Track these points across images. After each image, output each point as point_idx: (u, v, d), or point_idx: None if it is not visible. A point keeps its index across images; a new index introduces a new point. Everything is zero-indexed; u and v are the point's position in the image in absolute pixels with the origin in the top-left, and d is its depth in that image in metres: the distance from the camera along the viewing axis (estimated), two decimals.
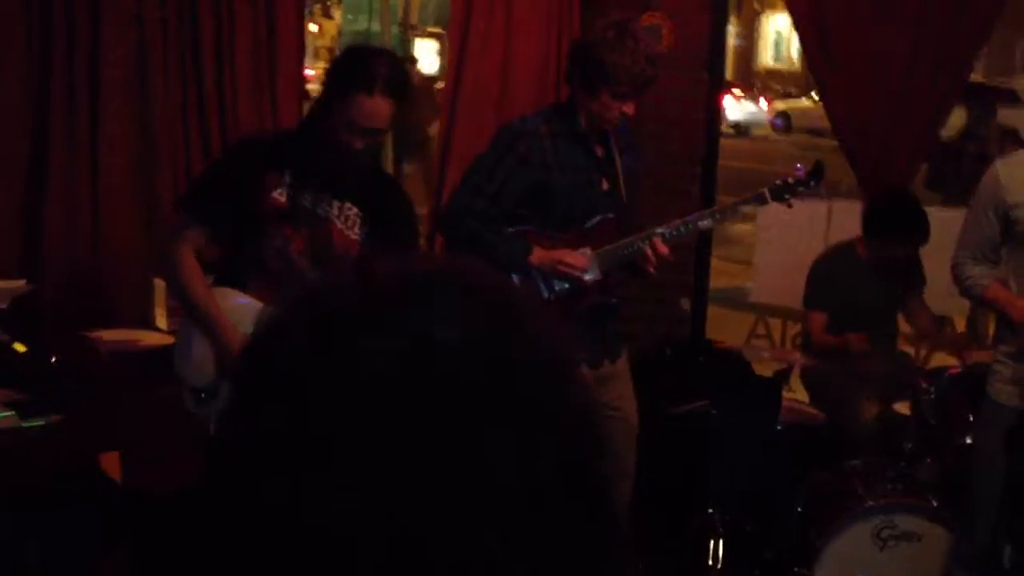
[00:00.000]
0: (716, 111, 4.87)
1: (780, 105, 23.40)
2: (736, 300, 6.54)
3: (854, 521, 3.40)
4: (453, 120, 4.46)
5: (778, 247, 5.11)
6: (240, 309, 2.66)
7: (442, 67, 12.91)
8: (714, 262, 5.10)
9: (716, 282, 5.45)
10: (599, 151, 3.18)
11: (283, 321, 0.63)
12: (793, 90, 24.11)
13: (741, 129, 22.36)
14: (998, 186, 3.02)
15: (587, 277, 3.12)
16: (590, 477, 0.61)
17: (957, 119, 13.73)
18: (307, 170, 2.68)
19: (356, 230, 2.73)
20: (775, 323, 5.98)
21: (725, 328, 5.81)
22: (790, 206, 3.25)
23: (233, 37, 3.89)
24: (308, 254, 2.68)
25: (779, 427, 3.84)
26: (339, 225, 2.71)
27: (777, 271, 5.04)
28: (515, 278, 3.06)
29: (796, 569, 3.43)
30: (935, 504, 3.40)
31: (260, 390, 0.61)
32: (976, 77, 19.13)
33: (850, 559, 3.40)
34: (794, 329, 5.43)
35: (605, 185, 3.18)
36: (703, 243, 4.77)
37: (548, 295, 3.11)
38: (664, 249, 3.06)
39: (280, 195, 2.67)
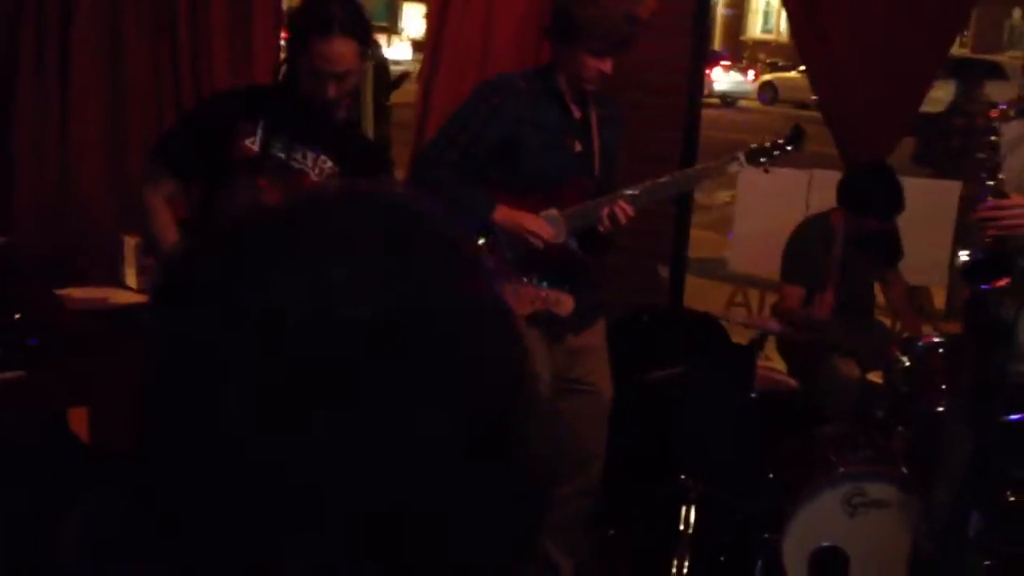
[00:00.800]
0: (699, 79, 4.82)
1: (767, 76, 23.38)
2: (715, 270, 6.55)
3: (824, 488, 3.40)
4: (433, 82, 4.41)
5: (757, 217, 5.09)
6: None
7: None
8: (693, 232, 5.08)
9: (695, 252, 5.44)
10: (576, 113, 3.11)
11: (192, 258, 0.60)
12: (781, 62, 24.06)
13: (728, 100, 22.34)
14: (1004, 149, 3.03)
15: (549, 241, 3.03)
16: (510, 444, 0.58)
17: (945, 93, 13.73)
18: (281, 121, 2.66)
19: (331, 182, 2.71)
20: (753, 293, 5.98)
21: (703, 298, 5.81)
22: (766, 171, 3.20)
23: None
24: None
25: (753, 395, 3.84)
26: (314, 176, 2.69)
27: (756, 241, 5.03)
28: (479, 234, 3.01)
29: (766, 535, 3.43)
30: (905, 472, 3.41)
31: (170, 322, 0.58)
32: (964, 51, 19.15)
33: (820, 525, 3.41)
34: (772, 299, 5.43)
35: (578, 147, 3.11)
36: (682, 211, 4.74)
37: (510, 255, 3.04)
38: (629, 211, 2.99)
39: (252, 143, 2.65)
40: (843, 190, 4.12)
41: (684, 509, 3.66)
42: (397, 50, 19.11)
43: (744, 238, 5.22)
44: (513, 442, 0.59)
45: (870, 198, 4.01)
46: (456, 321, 0.58)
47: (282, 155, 2.66)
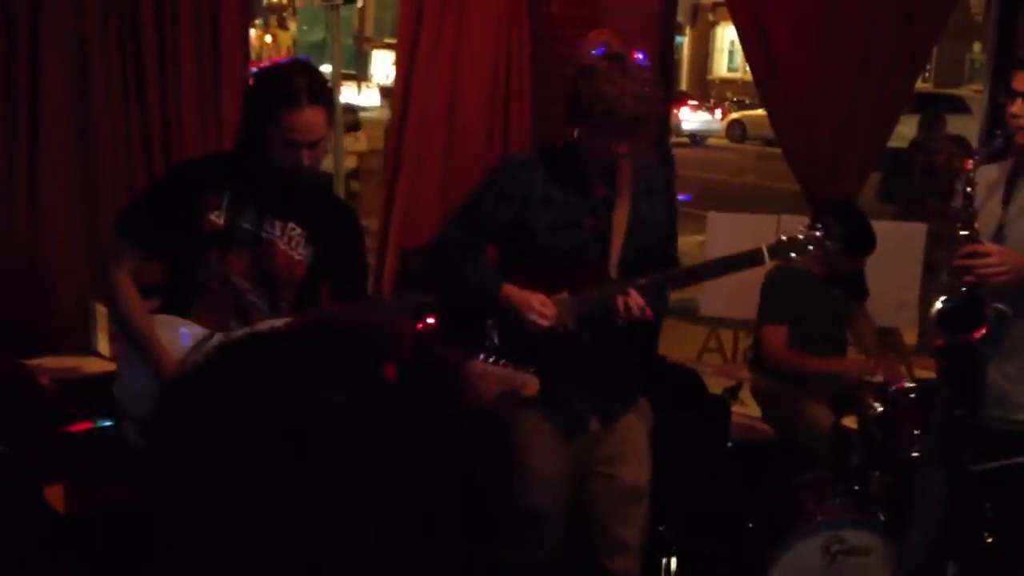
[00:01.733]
0: (666, 123, 4.89)
1: (735, 115, 23.64)
2: (688, 313, 6.57)
3: (804, 537, 3.41)
4: (403, 129, 4.43)
5: None
6: (181, 337, 2.62)
7: None
8: None
9: None
10: (600, 191, 2.93)
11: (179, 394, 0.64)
12: (748, 99, 24.33)
13: (697, 138, 22.56)
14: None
15: (549, 324, 2.87)
16: (457, 537, 0.62)
17: (908, 129, 13.92)
18: (248, 190, 2.65)
19: (300, 250, 2.69)
20: (727, 336, 6.01)
21: (679, 341, 5.83)
22: (799, 264, 3.02)
23: (177, 52, 3.85)
24: (249, 277, 2.65)
25: (730, 443, 3.85)
26: (282, 246, 2.68)
27: (727, 284, 5.05)
28: (490, 321, 2.93)
29: None
30: (883, 518, 3.43)
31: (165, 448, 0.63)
32: (926, 86, 19.44)
33: (799, 573, 3.41)
34: (746, 342, 5.45)
35: (594, 226, 2.92)
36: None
37: (499, 340, 2.92)
38: (640, 302, 2.80)
39: (217, 217, 2.63)
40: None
41: (665, 561, 3.66)
42: (366, 97, 19.20)
43: (715, 281, 5.24)
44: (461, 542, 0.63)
45: (844, 239, 4.04)
46: (427, 429, 0.63)
47: (249, 227, 2.65)
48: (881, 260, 4.23)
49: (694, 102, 23.73)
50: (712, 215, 5.19)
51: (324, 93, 2.60)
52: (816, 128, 4.77)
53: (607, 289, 2.87)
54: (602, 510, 3.04)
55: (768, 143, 17.84)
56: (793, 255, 2.92)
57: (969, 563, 2.98)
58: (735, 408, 4.35)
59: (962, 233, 2.78)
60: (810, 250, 2.91)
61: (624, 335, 2.91)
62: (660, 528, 3.70)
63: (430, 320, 3.48)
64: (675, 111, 21.67)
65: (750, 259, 2.92)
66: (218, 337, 2.56)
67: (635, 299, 2.80)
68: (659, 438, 3.84)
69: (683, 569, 3.62)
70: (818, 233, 2.90)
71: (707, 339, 6.00)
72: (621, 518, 3.04)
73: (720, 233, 5.20)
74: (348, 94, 17.32)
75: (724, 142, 22.80)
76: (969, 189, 2.79)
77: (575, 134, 2.87)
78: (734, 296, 4.92)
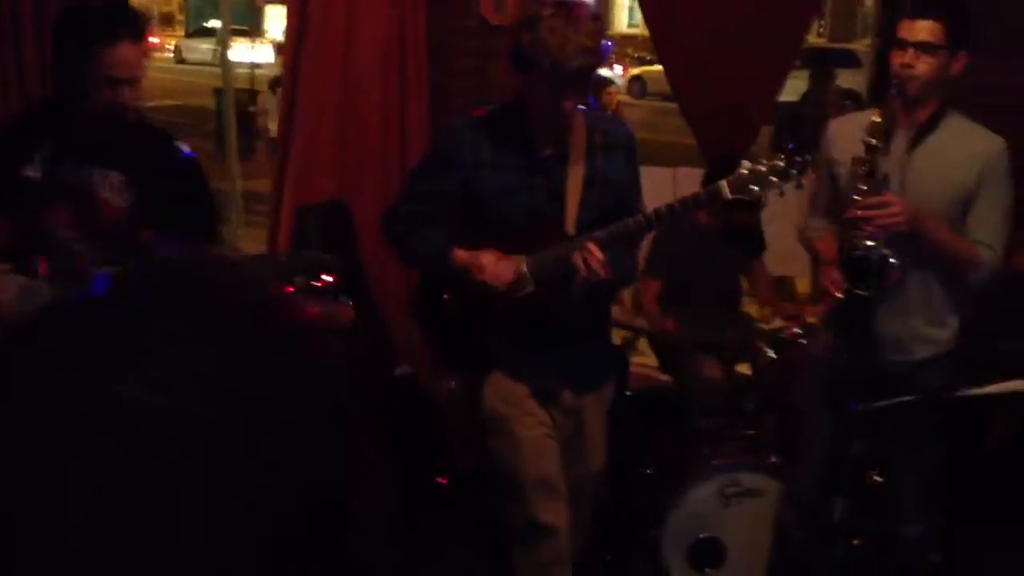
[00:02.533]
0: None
1: (635, 70, 23.78)
2: None
3: (700, 481, 3.50)
4: (296, 86, 4.33)
5: None
6: (23, 294, 2.56)
7: None
8: None
9: None
10: (546, 149, 2.82)
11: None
12: (648, 55, 24.47)
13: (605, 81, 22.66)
14: (828, 144, 3.13)
15: (503, 286, 2.79)
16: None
17: (800, 83, 14.18)
18: (66, 141, 2.60)
19: (123, 195, 2.64)
20: (627, 289, 6.08)
21: None
22: (763, 204, 2.90)
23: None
24: (75, 227, 2.60)
25: (628, 393, 3.91)
26: (104, 194, 2.63)
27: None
28: (451, 286, 2.86)
29: (647, 530, 3.51)
30: (775, 461, 3.53)
31: None
32: (819, 41, 19.78)
33: (697, 518, 3.50)
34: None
35: (546, 186, 2.82)
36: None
37: (483, 303, 2.81)
38: (598, 255, 2.67)
39: (34, 171, 2.58)
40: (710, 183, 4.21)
41: None
42: (260, 53, 18.75)
43: None
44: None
45: None
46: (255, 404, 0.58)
47: (68, 177, 2.59)
48: (773, 211, 4.32)
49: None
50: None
51: (140, 29, 2.56)
52: (710, 83, 4.82)
53: (563, 248, 2.75)
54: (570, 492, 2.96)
55: (667, 98, 18.00)
56: (756, 188, 2.72)
57: (856, 499, 3.09)
58: (633, 359, 4.42)
59: (862, 187, 2.84)
60: (775, 182, 2.71)
61: (586, 298, 2.79)
62: None
63: (328, 278, 3.44)
64: None
65: (710, 196, 2.80)
66: (48, 290, 2.52)
67: (594, 254, 2.68)
68: None
69: None
70: (780, 163, 2.71)
71: None
72: (577, 502, 2.97)
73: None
74: (240, 51, 16.85)
75: (625, 98, 22.96)
76: (873, 141, 2.84)
77: (520, 91, 2.76)
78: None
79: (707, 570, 3.52)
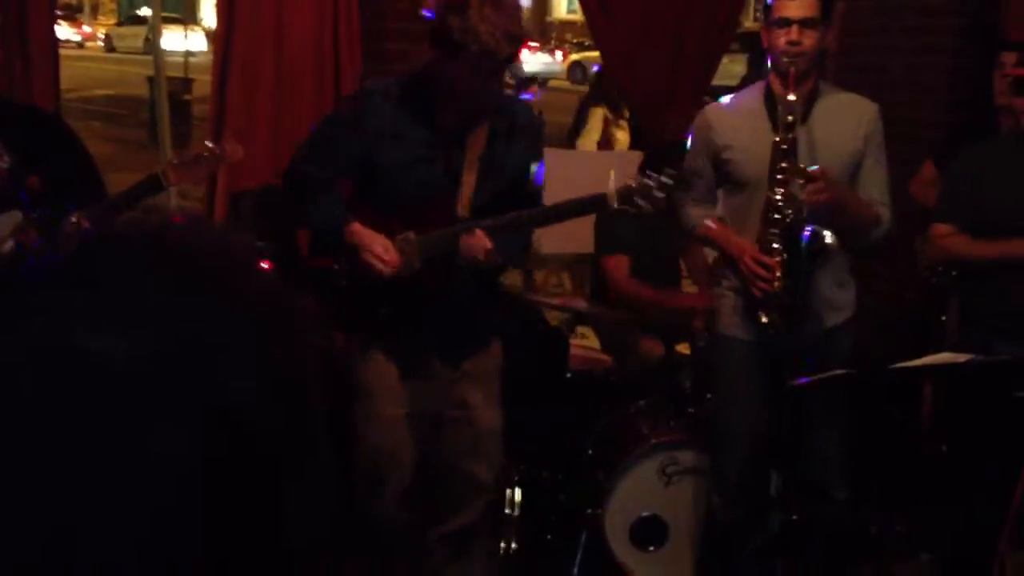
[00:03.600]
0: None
1: (575, 56, 23.83)
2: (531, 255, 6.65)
3: (640, 460, 3.53)
4: (227, 74, 4.27)
5: (564, 198, 5.17)
6: None
7: None
8: None
9: None
10: (451, 127, 2.84)
11: None
12: (587, 41, 24.54)
13: (538, 81, 22.66)
14: (709, 129, 3.12)
15: (389, 271, 2.81)
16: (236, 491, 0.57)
17: (739, 67, 14.33)
18: None
19: (2, 158, 2.66)
20: (566, 273, 6.11)
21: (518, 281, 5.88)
22: (641, 215, 2.96)
23: None
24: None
25: (568, 374, 3.92)
26: None
27: (565, 224, 5.11)
28: (339, 258, 2.89)
29: (589, 511, 3.53)
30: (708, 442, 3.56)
31: None
32: (756, 25, 19.98)
33: (638, 496, 3.53)
34: (585, 278, 5.56)
35: (444, 165, 2.85)
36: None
37: (371, 278, 2.84)
38: (487, 243, 2.72)
39: None
40: (648, 168, 4.23)
41: (508, 492, 3.71)
42: (193, 41, 18.44)
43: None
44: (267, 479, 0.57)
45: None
46: (208, 350, 0.56)
47: None
48: None
49: (535, 44, 23.80)
50: (548, 151, 5.23)
51: None
52: (645, 67, 4.85)
53: (453, 229, 2.80)
54: (459, 453, 3.05)
55: None
56: (640, 200, 2.81)
57: (791, 472, 3.13)
58: (576, 341, 4.43)
59: (783, 164, 2.87)
60: (659, 197, 2.81)
61: (471, 278, 2.84)
62: (504, 461, 3.75)
63: (264, 265, 3.39)
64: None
65: (596, 203, 2.88)
66: None
67: (479, 240, 2.73)
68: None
69: (526, 500, 3.69)
70: (664, 179, 2.82)
71: (546, 277, 6.09)
72: (477, 460, 3.05)
73: (555, 171, 5.24)
74: (174, 39, 16.56)
75: (566, 84, 22.98)
76: (790, 119, 2.88)
77: (429, 68, 2.78)
78: (571, 233, 4.99)
79: (650, 548, 3.55)
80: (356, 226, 2.83)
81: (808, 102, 2.99)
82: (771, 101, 2.99)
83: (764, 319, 2.97)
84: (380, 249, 2.80)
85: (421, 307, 2.86)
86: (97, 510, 0.53)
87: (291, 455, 0.58)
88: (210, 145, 2.90)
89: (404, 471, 3.01)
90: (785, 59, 2.90)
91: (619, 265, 4.15)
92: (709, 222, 3.18)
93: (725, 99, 3.23)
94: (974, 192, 3.27)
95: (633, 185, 2.82)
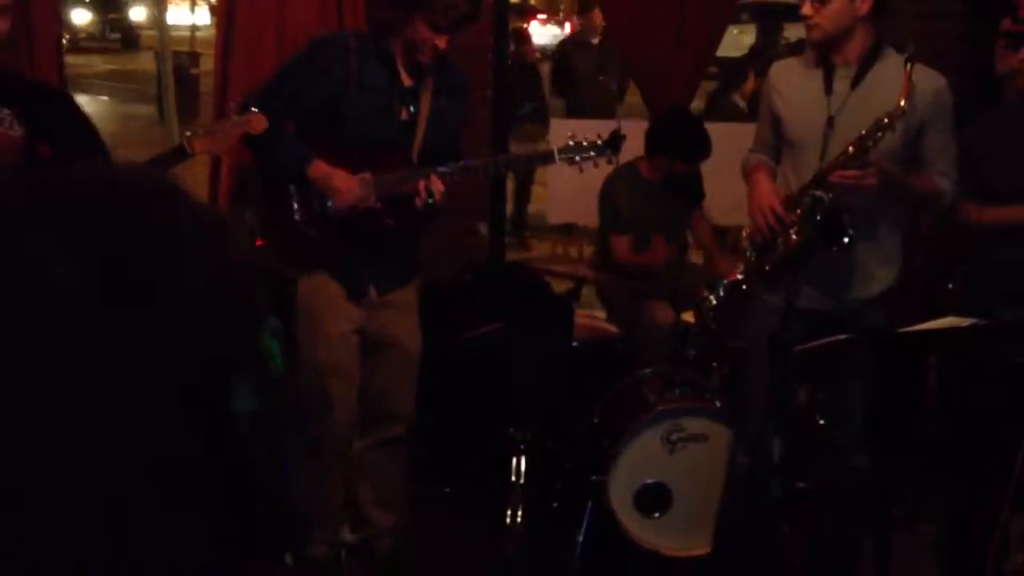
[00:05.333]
0: (503, 35, 4.86)
1: None
2: (535, 223, 6.66)
3: (645, 427, 3.54)
4: (229, 49, 4.25)
5: (570, 168, 5.16)
6: None
7: None
8: (510, 186, 5.14)
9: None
10: (407, 80, 3.09)
11: None
12: None
13: (546, 53, 22.56)
14: (770, 87, 3.18)
15: (352, 202, 3.05)
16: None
17: (748, 38, 14.23)
18: None
19: (15, 127, 2.69)
20: (573, 242, 6.12)
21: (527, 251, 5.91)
22: (581, 170, 3.22)
23: None
24: None
25: (574, 343, 3.93)
26: None
27: (571, 192, 5.12)
28: (292, 188, 3.06)
29: (594, 477, 3.54)
30: (719, 405, 3.58)
31: None
32: None
33: (643, 463, 3.55)
34: (591, 248, 5.56)
35: (404, 115, 3.10)
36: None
37: (318, 207, 3.07)
38: (440, 187, 3.01)
39: None
40: (651, 138, 4.23)
41: (515, 460, 3.74)
42: (201, 16, 18.41)
43: (559, 189, 5.30)
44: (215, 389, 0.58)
45: (677, 144, 4.14)
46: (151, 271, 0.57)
47: None
48: (716, 161, 4.34)
49: (543, 16, 23.67)
50: (554, 121, 5.24)
51: None
52: (649, 37, 4.83)
53: (410, 173, 3.05)
54: (383, 378, 3.25)
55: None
56: (577, 158, 3.18)
57: (798, 441, 3.15)
58: (583, 310, 4.45)
59: (850, 149, 2.87)
60: (591, 155, 3.17)
61: (417, 217, 3.11)
62: (510, 429, 3.78)
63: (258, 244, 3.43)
64: (524, 26, 21.53)
65: (543, 157, 3.18)
66: None
67: (436, 184, 3.00)
68: (504, 341, 3.92)
69: (531, 469, 3.71)
70: (599, 142, 3.20)
71: (553, 245, 6.10)
72: (398, 386, 3.27)
73: (561, 141, 5.24)
74: (179, 13, 16.54)
75: None
76: (886, 119, 2.85)
77: (391, 19, 3.01)
78: (578, 203, 5.00)
79: (654, 515, 3.57)
80: (318, 163, 3.04)
81: (861, 67, 2.98)
82: (829, 66, 3.01)
83: (759, 262, 3.05)
84: (340, 181, 3.02)
85: (363, 240, 3.10)
86: (53, 426, 0.54)
87: (241, 364, 0.59)
88: (235, 115, 2.96)
89: (351, 386, 3.20)
90: (806, 32, 3.01)
91: (621, 244, 4.19)
92: (757, 161, 3.21)
93: (792, 58, 3.28)
94: (982, 161, 3.26)
95: (572, 144, 3.19)
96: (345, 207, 3.05)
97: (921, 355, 3.57)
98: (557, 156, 3.18)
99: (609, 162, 3.25)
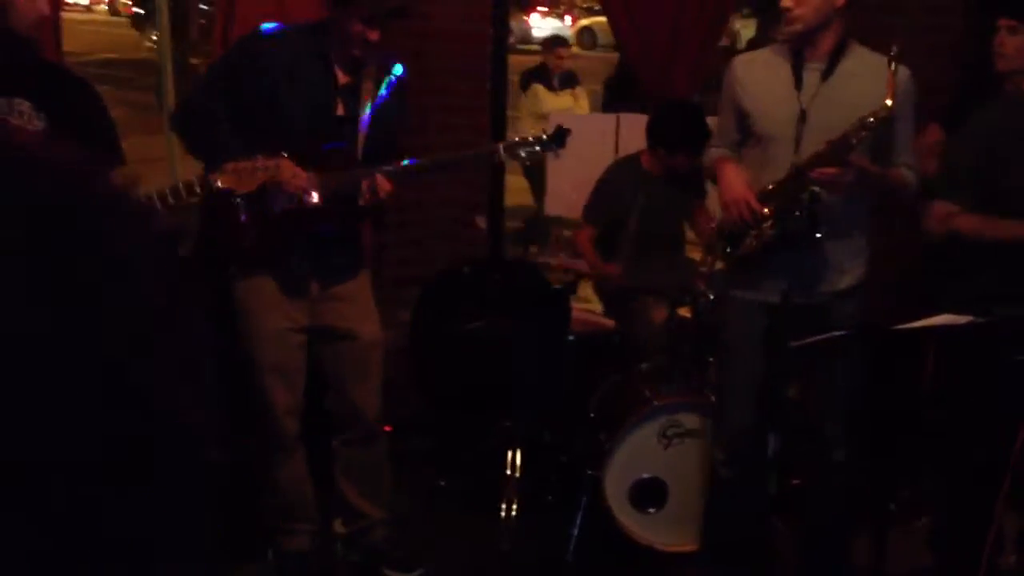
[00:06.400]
0: (503, 26, 4.85)
1: (585, 21, 23.64)
2: (533, 215, 6.65)
3: (641, 422, 3.54)
4: (229, 36, 4.24)
5: (569, 160, 5.15)
6: None
7: None
8: (509, 179, 5.13)
9: (512, 200, 5.51)
10: (343, 77, 3.05)
11: None
12: (596, 6, 24.36)
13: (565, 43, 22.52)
14: (734, 81, 3.15)
15: (308, 198, 3.00)
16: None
17: (749, 32, 14.20)
18: None
19: (35, 122, 2.66)
20: (571, 236, 6.10)
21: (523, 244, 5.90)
22: (527, 164, 3.20)
23: None
24: None
25: (571, 337, 3.93)
26: (15, 121, 2.64)
27: (570, 184, 5.12)
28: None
29: (589, 472, 3.55)
30: (714, 400, 3.57)
31: None
32: None
33: (638, 458, 3.55)
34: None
35: (341, 111, 3.06)
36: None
37: (261, 209, 3.00)
38: (387, 186, 2.99)
39: None
40: (653, 129, 4.22)
41: (510, 454, 3.74)
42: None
43: (558, 182, 5.30)
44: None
45: (679, 135, 4.12)
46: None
47: None
48: None
49: (544, 8, 23.63)
50: (553, 116, 5.22)
51: None
52: (650, 32, 4.81)
53: (354, 171, 3.02)
54: (343, 371, 3.21)
55: (619, 48, 17.93)
56: (522, 154, 3.13)
57: (790, 435, 3.14)
58: (581, 305, 4.44)
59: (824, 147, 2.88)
60: (536, 151, 3.13)
61: (360, 214, 3.11)
62: (505, 423, 3.78)
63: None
64: (524, 18, 21.51)
65: (488, 154, 3.11)
66: None
67: (382, 182, 2.98)
68: (501, 334, 3.91)
69: (528, 461, 3.71)
70: (543, 137, 3.16)
71: (552, 239, 6.09)
72: (360, 379, 3.22)
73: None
74: None
75: (576, 49, 22.85)
76: (871, 119, 2.86)
77: (325, 20, 3.01)
78: (578, 195, 4.99)
79: (649, 510, 3.58)
80: (260, 159, 2.97)
81: (831, 60, 2.99)
82: (799, 59, 3.01)
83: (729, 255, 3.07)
84: (288, 174, 2.95)
85: (303, 237, 3.06)
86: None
87: (157, 336, 0.58)
88: (264, 159, 2.92)
89: (293, 383, 3.16)
90: (785, 25, 2.99)
91: (583, 235, 4.22)
92: (720, 155, 3.20)
93: (755, 52, 3.26)
94: (984, 164, 3.24)
95: (517, 140, 3.17)
96: (290, 204, 2.99)
97: (917, 352, 3.58)
98: (502, 153, 3.13)
99: (556, 156, 3.20)
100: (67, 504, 0.54)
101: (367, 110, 3.06)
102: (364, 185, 2.98)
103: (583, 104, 7.77)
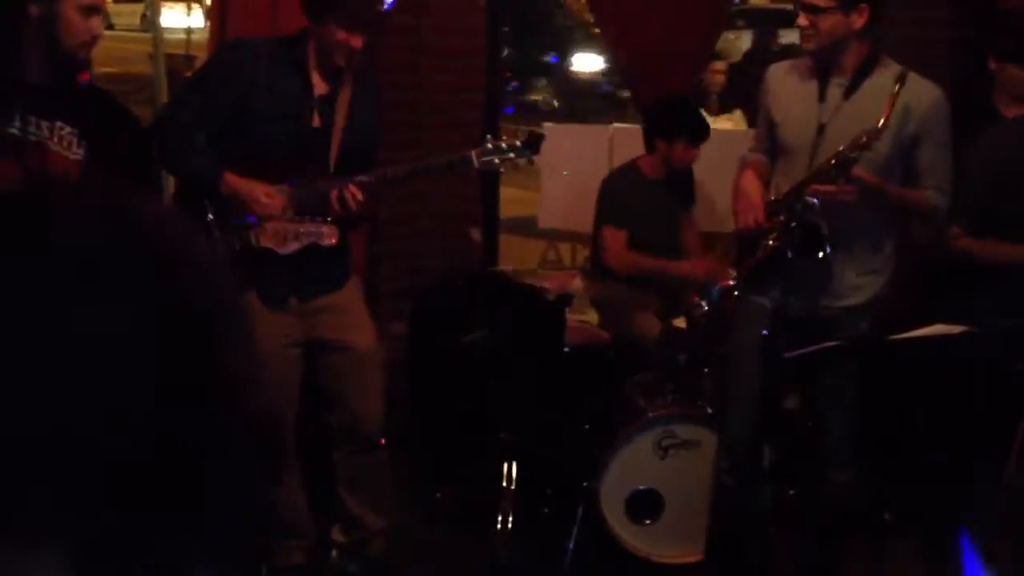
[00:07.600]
0: (495, 37, 4.87)
1: None
2: (528, 228, 6.64)
3: (636, 433, 3.54)
4: (223, 37, 4.24)
5: (562, 174, 5.17)
6: None
7: None
8: (503, 191, 5.14)
9: (506, 211, 5.51)
10: (321, 87, 3.03)
11: None
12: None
13: None
14: (765, 90, 3.20)
15: (275, 212, 2.97)
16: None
17: (744, 43, 14.24)
18: (9, 93, 2.55)
19: (74, 149, 2.61)
20: (565, 248, 6.11)
21: (519, 256, 5.90)
22: (501, 171, 3.14)
23: None
24: (23, 181, 2.55)
25: (566, 349, 3.93)
26: (54, 147, 2.58)
27: (563, 197, 5.12)
28: (207, 203, 2.96)
29: (585, 484, 3.54)
30: (710, 411, 3.57)
31: None
32: (761, 1, 19.94)
33: (634, 470, 3.54)
34: (583, 253, 5.56)
35: (317, 122, 3.02)
36: (490, 173, 4.78)
37: (244, 226, 2.99)
38: (359, 196, 2.94)
39: None
40: (650, 121, 4.23)
41: (506, 465, 3.73)
42: (196, 18, 18.37)
43: (551, 195, 5.30)
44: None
45: (676, 122, 4.13)
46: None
47: (15, 131, 2.54)
48: (709, 167, 4.34)
49: None
50: (547, 126, 5.24)
51: None
52: (642, 40, 4.83)
53: (326, 183, 2.98)
54: (339, 382, 3.19)
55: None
56: (496, 160, 3.06)
57: (784, 446, 3.14)
58: (578, 316, 4.43)
59: (832, 162, 2.88)
60: (510, 157, 3.06)
61: (342, 225, 3.05)
62: (501, 434, 3.77)
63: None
64: None
65: (461, 162, 3.06)
66: None
67: (353, 193, 2.93)
68: (497, 346, 3.91)
69: (523, 474, 3.70)
70: (517, 143, 3.09)
71: (545, 251, 6.09)
72: (357, 389, 3.19)
73: (554, 146, 5.24)
74: (174, 16, 16.50)
75: None
76: (864, 139, 2.85)
77: (305, 31, 2.97)
78: (571, 208, 5.00)
79: (645, 522, 3.57)
80: (230, 176, 2.95)
81: (855, 77, 2.99)
82: (825, 74, 3.02)
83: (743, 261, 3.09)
84: (263, 195, 2.94)
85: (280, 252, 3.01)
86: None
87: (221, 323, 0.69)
88: (308, 223, 2.96)
89: (289, 399, 3.08)
90: (801, 42, 3.04)
91: (617, 237, 4.15)
92: (752, 159, 3.22)
93: (790, 61, 3.28)
94: (991, 190, 3.26)
95: (490, 146, 3.07)
96: (264, 215, 2.96)
97: (911, 362, 3.58)
98: (476, 160, 3.07)
99: (529, 162, 3.14)
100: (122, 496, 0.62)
101: (343, 122, 3.04)
102: (333, 196, 2.94)
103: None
